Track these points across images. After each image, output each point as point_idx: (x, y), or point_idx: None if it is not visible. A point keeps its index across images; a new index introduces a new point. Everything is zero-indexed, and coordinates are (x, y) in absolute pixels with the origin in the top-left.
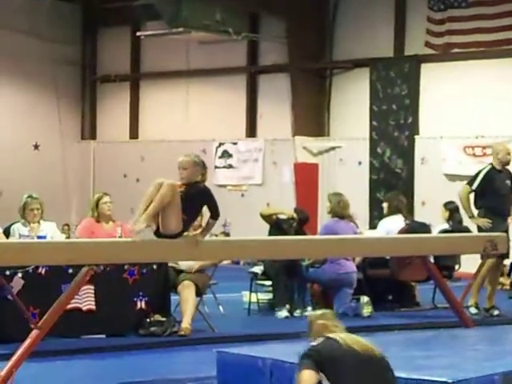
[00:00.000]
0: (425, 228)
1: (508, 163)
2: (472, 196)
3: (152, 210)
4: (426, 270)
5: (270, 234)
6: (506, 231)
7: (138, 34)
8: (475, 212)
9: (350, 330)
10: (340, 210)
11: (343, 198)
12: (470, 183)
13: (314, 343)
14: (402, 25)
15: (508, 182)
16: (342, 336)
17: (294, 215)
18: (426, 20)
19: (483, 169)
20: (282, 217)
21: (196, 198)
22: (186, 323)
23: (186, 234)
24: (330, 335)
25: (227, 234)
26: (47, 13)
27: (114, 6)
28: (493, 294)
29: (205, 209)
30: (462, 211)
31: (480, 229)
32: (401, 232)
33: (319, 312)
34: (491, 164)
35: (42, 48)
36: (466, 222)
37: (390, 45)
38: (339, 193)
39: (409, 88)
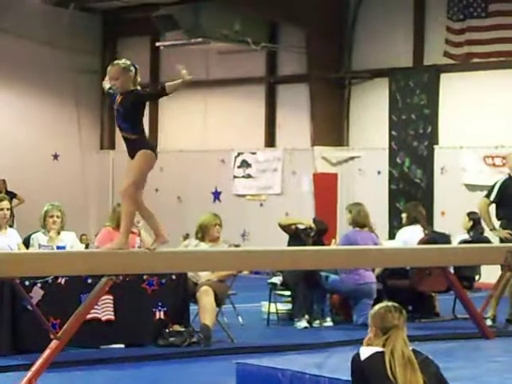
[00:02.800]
0: (445, 238)
1: None
2: (493, 208)
3: (126, 228)
4: (446, 280)
5: (290, 244)
6: None
7: (158, 44)
8: (497, 224)
9: None
10: (361, 220)
11: (363, 208)
12: (488, 195)
13: (363, 353)
14: (421, 35)
15: None
16: (395, 355)
17: (312, 225)
18: (445, 30)
19: (500, 179)
20: (300, 227)
21: (135, 102)
22: (206, 322)
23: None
24: (382, 349)
25: (237, 245)
26: (67, 23)
27: (133, 17)
28: None
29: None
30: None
31: (502, 241)
32: (421, 242)
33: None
34: (508, 174)
35: (62, 58)
36: (487, 232)
37: (409, 55)
38: (359, 203)
39: (428, 98)
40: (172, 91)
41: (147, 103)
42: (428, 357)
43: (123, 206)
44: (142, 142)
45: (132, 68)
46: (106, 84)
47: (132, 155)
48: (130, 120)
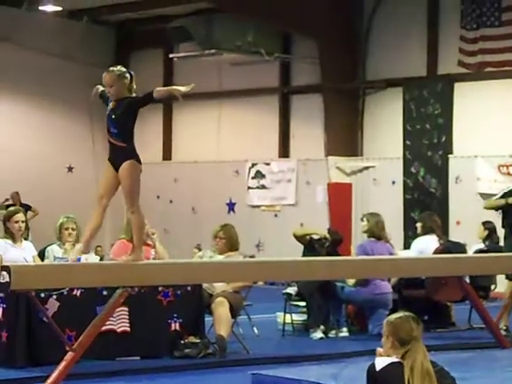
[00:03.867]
0: (460, 248)
1: None
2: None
3: (139, 241)
4: (461, 290)
5: (304, 254)
6: None
7: (171, 56)
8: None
9: None
10: (377, 231)
11: (381, 219)
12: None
13: (378, 364)
14: (435, 44)
15: None
16: (415, 367)
17: (327, 235)
18: (459, 39)
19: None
20: (315, 237)
21: (127, 109)
22: (221, 332)
23: None
24: (401, 360)
25: (252, 256)
26: (81, 36)
27: (146, 29)
28: None
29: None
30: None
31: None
32: (436, 252)
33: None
34: None
35: (76, 71)
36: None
37: (423, 64)
38: (377, 213)
39: (442, 107)
40: (159, 97)
41: (139, 111)
42: (443, 368)
43: (133, 220)
44: (129, 152)
45: (127, 75)
46: (100, 86)
47: (117, 163)
48: (121, 127)
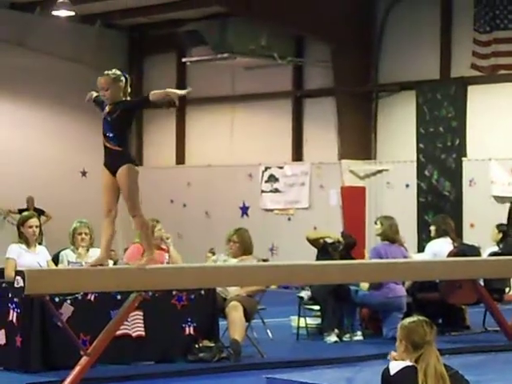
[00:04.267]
0: (474, 251)
1: None
2: None
3: (149, 242)
4: (476, 293)
5: (318, 258)
6: None
7: (184, 60)
8: None
9: None
10: (391, 235)
11: (395, 222)
12: None
13: (392, 368)
14: (448, 47)
15: None
16: (428, 371)
17: (340, 239)
18: (472, 42)
19: None
20: (328, 240)
21: (123, 113)
22: (236, 336)
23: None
24: (415, 364)
25: (265, 260)
26: (94, 40)
27: (159, 33)
28: None
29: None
30: None
31: None
32: (450, 255)
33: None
34: None
35: (89, 75)
36: None
37: (436, 67)
38: (391, 216)
39: (455, 110)
40: (155, 100)
41: (135, 116)
42: (458, 371)
43: (137, 224)
44: (125, 156)
45: (122, 78)
46: (94, 92)
47: (113, 167)
48: (116, 131)
